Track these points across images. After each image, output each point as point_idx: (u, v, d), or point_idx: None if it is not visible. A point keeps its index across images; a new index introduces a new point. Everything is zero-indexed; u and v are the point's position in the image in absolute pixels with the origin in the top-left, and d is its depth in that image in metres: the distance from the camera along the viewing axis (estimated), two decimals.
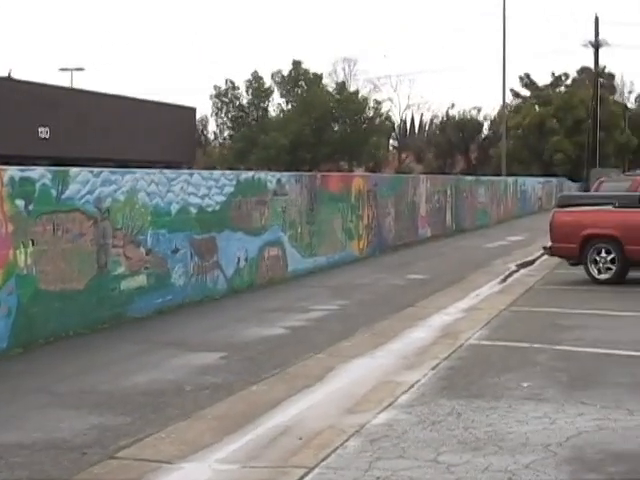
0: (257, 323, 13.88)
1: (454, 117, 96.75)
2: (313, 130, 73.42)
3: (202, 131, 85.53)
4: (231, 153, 76.75)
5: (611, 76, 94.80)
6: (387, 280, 19.59)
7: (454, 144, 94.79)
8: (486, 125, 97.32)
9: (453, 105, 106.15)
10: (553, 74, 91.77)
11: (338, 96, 77.00)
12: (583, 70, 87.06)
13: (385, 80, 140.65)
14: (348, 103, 76.33)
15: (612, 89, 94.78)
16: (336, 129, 77.18)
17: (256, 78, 76.59)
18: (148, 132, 37.31)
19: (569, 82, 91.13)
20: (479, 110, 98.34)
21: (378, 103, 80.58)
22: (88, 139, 32.95)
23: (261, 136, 72.46)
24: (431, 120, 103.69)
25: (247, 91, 76.93)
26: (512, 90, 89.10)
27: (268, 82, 77.30)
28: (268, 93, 77.64)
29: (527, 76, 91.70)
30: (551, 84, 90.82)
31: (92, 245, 13.37)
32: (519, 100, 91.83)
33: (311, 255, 21.23)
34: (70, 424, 8.33)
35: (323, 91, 76.70)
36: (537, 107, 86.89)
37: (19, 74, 64.54)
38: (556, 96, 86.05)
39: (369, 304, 15.95)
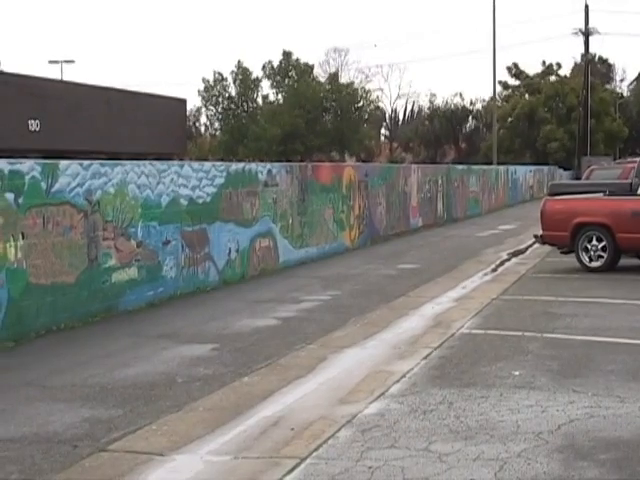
0: (249, 314, 13.88)
1: (439, 107, 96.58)
2: (305, 121, 73.16)
3: (194, 123, 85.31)
4: (220, 145, 76.44)
5: (607, 64, 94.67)
6: (378, 270, 19.59)
7: (442, 134, 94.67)
8: (475, 115, 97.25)
9: (434, 95, 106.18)
10: (544, 62, 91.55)
11: (329, 86, 76.74)
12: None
13: (376, 70, 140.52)
14: (339, 93, 76.08)
15: (608, 77, 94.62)
16: (328, 119, 76.91)
17: (242, 69, 76.06)
18: (139, 124, 37.12)
19: (564, 70, 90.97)
20: (462, 96, 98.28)
21: (366, 92, 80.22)
22: (79, 131, 32.76)
23: (251, 127, 72.21)
24: (419, 110, 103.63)
25: (234, 82, 76.50)
26: (500, 82, 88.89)
27: (259, 73, 76.98)
28: (256, 84, 77.24)
29: (515, 66, 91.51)
30: (542, 73, 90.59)
31: (82, 238, 13.34)
32: (508, 90, 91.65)
33: (302, 246, 21.22)
34: (61, 417, 8.32)
35: (314, 81, 76.45)
36: (527, 96, 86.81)
37: (8, 67, 64.53)
38: (546, 85, 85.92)
39: (360, 294, 15.95)
